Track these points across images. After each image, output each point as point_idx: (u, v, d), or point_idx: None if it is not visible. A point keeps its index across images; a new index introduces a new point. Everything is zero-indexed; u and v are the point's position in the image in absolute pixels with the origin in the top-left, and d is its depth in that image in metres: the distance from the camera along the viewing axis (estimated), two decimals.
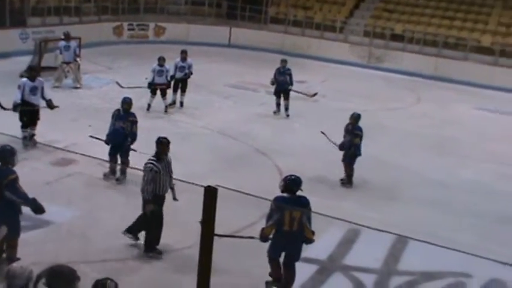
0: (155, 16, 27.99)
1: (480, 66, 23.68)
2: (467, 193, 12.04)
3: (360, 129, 11.60)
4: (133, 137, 10.87)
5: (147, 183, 8.32)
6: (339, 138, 11.87)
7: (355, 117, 11.67)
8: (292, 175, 7.73)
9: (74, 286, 4.33)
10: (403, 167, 13.19)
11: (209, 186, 3.41)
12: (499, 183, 12.81)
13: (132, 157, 10.88)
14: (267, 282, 7.83)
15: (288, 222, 7.38)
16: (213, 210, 3.42)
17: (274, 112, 16.60)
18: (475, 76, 22.96)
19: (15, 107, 11.97)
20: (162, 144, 8.57)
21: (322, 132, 12.51)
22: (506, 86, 22.27)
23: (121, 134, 10.75)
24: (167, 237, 8.56)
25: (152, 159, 8.48)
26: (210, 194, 3.37)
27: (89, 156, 9.45)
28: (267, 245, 7.62)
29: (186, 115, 15.98)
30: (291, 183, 7.58)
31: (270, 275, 7.78)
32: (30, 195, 7.31)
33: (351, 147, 11.59)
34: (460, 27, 25.82)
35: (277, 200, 7.49)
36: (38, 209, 7.45)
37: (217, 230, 8.34)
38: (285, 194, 7.57)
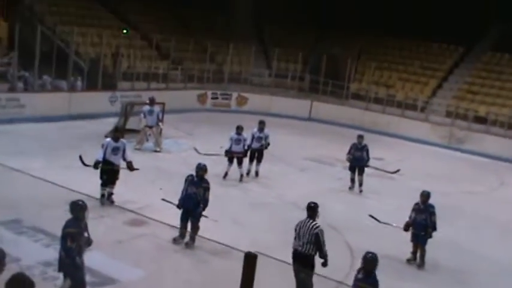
0: (239, 86, 28.70)
1: None
2: None
3: (434, 207, 11.38)
4: (206, 204, 10.99)
5: (324, 244, 8.94)
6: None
7: (427, 195, 11.44)
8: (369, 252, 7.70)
9: None
10: (480, 252, 12.70)
11: (249, 252, 3.40)
12: None
13: (203, 223, 10.97)
14: None
15: None
16: (252, 277, 3.39)
17: (350, 188, 16.48)
18: None
19: (95, 164, 12.47)
20: (313, 209, 9.17)
21: (371, 216, 12.29)
22: None
23: (193, 200, 10.90)
24: None
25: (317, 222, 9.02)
26: (250, 261, 3.35)
27: (159, 221, 9.61)
28: None
29: (261, 185, 16.08)
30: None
31: None
32: (101, 252, 7.43)
33: (427, 226, 11.30)
34: None
35: None
36: (74, 268, 7.56)
37: None
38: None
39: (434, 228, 11.34)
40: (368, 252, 7.64)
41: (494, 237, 14.00)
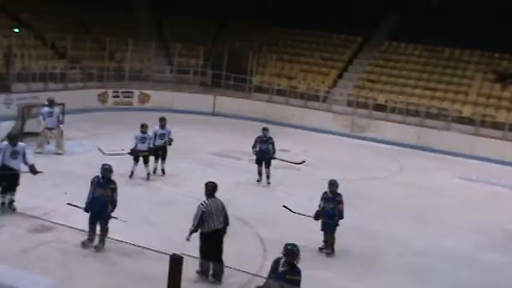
0: (140, 83, 28.18)
1: (462, 136, 23.96)
2: (449, 262, 12.04)
3: (341, 195, 11.61)
4: (114, 205, 10.73)
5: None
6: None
7: (335, 184, 11.64)
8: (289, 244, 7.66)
9: None
10: (385, 236, 13.14)
11: (174, 254, 3.32)
12: (479, 252, 12.80)
13: (112, 225, 10.71)
14: None
15: None
16: (179, 279, 3.31)
17: (258, 180, 16.55)
18: (456, 146, 23.23)
19: None
20: (214, 187, 10.06)
21: (285, 206, 12.41)
22: (487, 156, 22.48)
23: (101, 202, 10.62)
24: None
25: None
26: (176, 263, 3.27)
27: (66, 225, 9.30)
28: None
29: (168, 182, 15.87)
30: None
31: None
32: (6, 263, 7.10)
33: (334, 215, 11.51)
34: (441, 98, 26.23)
35: None
36: None
37: None
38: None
39: (341, 216, 11.57)
40: (288, 244, 7.60)
41: (398, 220, 14.47)
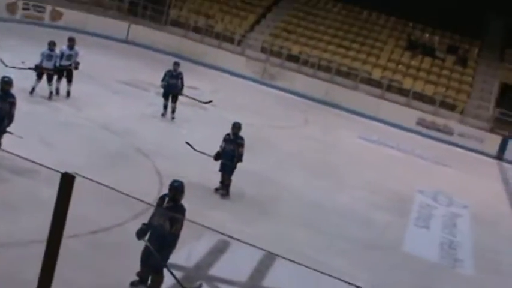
0: None
1: (368, 97, 24.55)
2: (341, 217, 12.38)
3: (243, 139, 11.67)
4: (11, 119, 10.35)
5: None
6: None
7: (238, 127, 11.67)
8: (176, 180, 7.59)
9: None
10: (282, 184, 13.38)
11: (66, 172, 3.24)
12: (370, 210, 13.25)
13: (6, 140, 10.35)
14: (132, 283, 7.67)
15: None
16: (68, 198, 3.25)
17: (162, 114, 16.40)
18: (362, 106, 23.82)
19: None
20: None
21: (187, 143, 12.42)
22: (389, 120, 23.22)
23: None
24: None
25: None
26: (67, 181, 3.20)
27: None
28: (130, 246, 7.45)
29: (69, 104, 15.41)
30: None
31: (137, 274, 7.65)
32: None
33: (234, 157, 11.61)
34: (353, 58, 26.67)
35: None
36: None
37: (85, 226, 8.21)
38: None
39: (240, 159, 11.68)
40: (175, 181, 7.55)
41: (296, 170, 14.77)
